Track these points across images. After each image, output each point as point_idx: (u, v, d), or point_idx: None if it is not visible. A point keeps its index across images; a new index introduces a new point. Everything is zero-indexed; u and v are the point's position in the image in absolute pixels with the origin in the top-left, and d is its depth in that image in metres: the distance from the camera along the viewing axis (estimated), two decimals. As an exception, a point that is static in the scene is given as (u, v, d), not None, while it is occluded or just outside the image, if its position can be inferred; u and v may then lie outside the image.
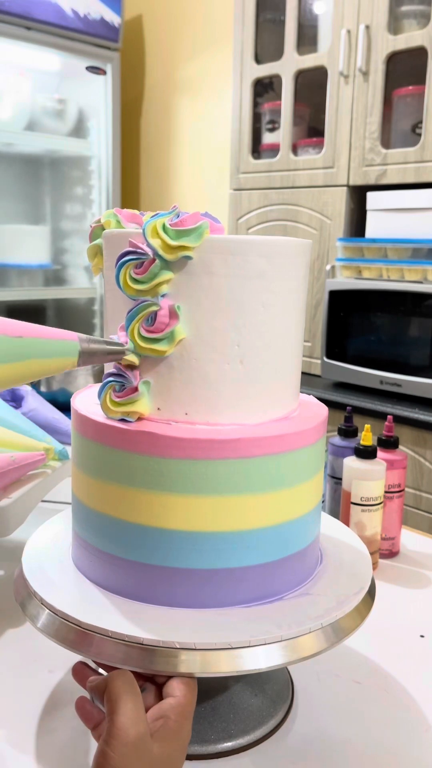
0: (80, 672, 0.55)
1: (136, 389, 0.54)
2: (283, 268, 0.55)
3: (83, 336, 0.51)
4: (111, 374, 0.56)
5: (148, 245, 0.52)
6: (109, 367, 0.58)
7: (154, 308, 0.53)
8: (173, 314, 0.53)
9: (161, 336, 0.53)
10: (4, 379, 0.48)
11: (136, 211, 0.61)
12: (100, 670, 0.55)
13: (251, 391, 0.56)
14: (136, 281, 0.53)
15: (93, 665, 0.56)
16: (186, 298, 0.53)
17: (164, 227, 0.52)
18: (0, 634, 0.74)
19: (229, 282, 0.53)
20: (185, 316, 0.53)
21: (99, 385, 0.66)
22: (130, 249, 0.53)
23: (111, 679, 0.48)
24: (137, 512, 0.54)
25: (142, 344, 0.54)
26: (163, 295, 0.53)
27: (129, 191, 3.00)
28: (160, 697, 0.50)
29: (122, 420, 0.54)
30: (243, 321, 0.54)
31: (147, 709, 0.49)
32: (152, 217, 0.53)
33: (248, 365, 0.55)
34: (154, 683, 0.52)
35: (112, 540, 0.55)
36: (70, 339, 0.50)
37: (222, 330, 0.54)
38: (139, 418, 0.55)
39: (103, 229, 0.59)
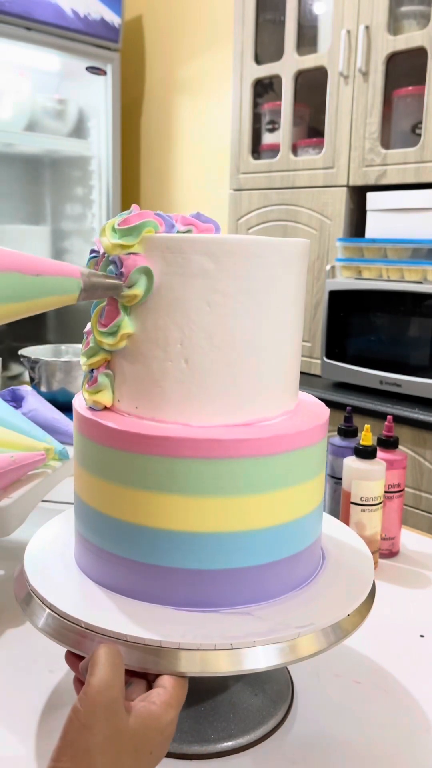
0: (71, 657, 0.54)
1: (96, 380, 0.58)
2: (233, 268, 0.53)
3: (85, 270, 0.53)
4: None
5: (101, 243, 0.56)
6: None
7: (104, 304, 0.57)
8: (116, 310, 0.55)
9: (108, 330, 0.56)
10: (6, 314, 0.50)
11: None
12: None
13: (196, 392, 0.55)
14: None
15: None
16: None
17: (113, 227, 0.55)
18: (0, 634, 0.74)
19: (170, 279, 0.53)
20: (134, 313, 0.55)
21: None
22: (94, 247, 0.58)
23: (96, 648, 0.48)
24: (138, 513, 0.54)
25: (98, 338, 0.57)
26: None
27: (129, 191, 3.00)
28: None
29: (90, 408, 0.58)
30: (186, 320, 0.53)
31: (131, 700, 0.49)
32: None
33: (194, 365, 0.54)
34: (144, 680, 0.52)
35: (114, 539, 0.55)
36: (72, 275, 0.52)
37: (164, 327, 0.54)
38: (105, 408, 0.58)
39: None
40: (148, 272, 0.53)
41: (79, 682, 0.53)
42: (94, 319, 0.57)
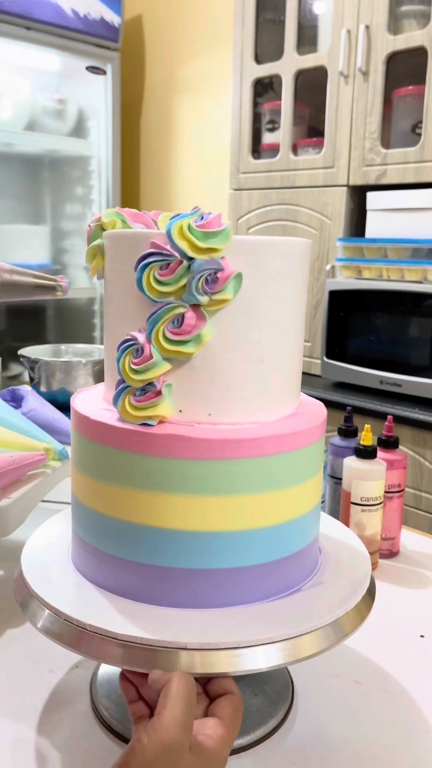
0: (126, 682, 0.54)
1: (159, 393, 0.53)
2: (294, 268, 0.56)
3: (5, 266, 0.49)
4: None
5: (174, 247, 0.51)
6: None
7: (180, 310, 0.52)
8: (201, 316, 0.52)
9: (188, 338, 0.52)
10: None
11: (135, 210, 0.61)
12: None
13: (269, 389, 0.57)
14: (160, 283, 0.52)
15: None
16: None
17: (190, 228, 0.51)
18: (0, 634, 0.74)
19: (252, 282, 0.53)
20: (209, 317, 0.53)
21: (99, 385, 0.66)
22: (154, 250, 0.52)
23: (174, 677, 0.48)
24: (136, 512, 0.54)
25: (167, 347, 0.52)
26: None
27: (129, 191, 3.00)
28: (207, 708, 0.51)
29: (144, 424, 0.53)
30: (262, 320, 0.55)
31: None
32: (175, 217, 0.52)
33: (267, 364, 0.56)
34: (205, 693, 0.52)
35: (112, 540, 0.55)
36: None
37: (244, 329, 0.54)
38: (161, 422, 0.54)
39: (103, 230, 0.59)
40: (239, 276, 0.52)
41: (142, 704, 0.52)
42: (159, 329, 0.52)
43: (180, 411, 0.54)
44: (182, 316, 0.52)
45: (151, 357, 0.52)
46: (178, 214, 0.53)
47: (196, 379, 0.54)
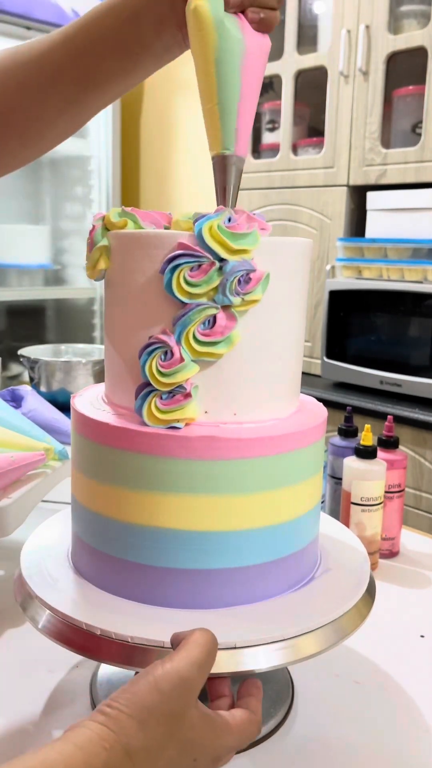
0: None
1: (189, 395, 0.53)
2: (304, 268, 0.58)
3: None
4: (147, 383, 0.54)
5: (206, 248, 0.51)
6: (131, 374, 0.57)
7: (212, 311, 0.52)
8: (231, 317, 0.52)
9: (220, 339, 0.52)
10: None
11: (144, 210, 0.60)
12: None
13: (287, 387, 0.58)
14: (191, 284, 0.51)
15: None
16: None
17: (220, 229, 0.51)
18: (0, 634, 0.74)
19: (277, 282, 0.54)
20: (239, 318, 0.53)
21: (99, 385, 0.66)
22: (183, 251, 0.51)
23: (197, 630, 0.47)
24: (136, 513, 0.54)
25: (198, 348, 0.52)
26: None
27: (129, 191, 3.00)
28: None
29: (172, 428, 0.53)
30: (281, 319, 0.56)
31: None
32: (201, 218, 0.52)
33: (285, 362, 0.57)
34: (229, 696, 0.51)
35: (111, 541, 0.55)
36: None
37: (267, 329, 0.55)
38: (187, 424, 0.53)
39: (107, 230, 0.58)
40: (268, 277, 0.53)
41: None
42: (190, 330, 0.52)
43: (206, 412, 0.54)
44: (214, 317, 0.52)
45: (181, 359, 0.52)
46: (205, 215, 0.52)
47: (222, 379, 0.54)
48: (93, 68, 0.61)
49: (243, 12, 0.55)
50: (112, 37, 0.59)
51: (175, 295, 0.51)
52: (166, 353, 0.52)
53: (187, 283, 0.51)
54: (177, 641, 0.47)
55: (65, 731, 0.40)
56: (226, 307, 0.52)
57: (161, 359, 0.52)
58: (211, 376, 0.54)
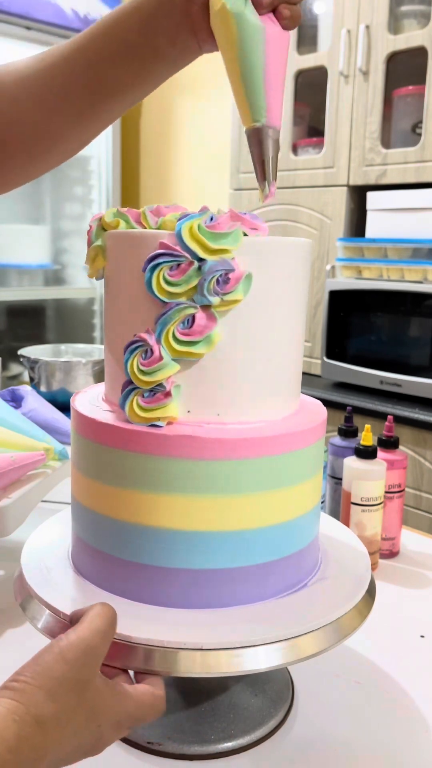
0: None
1: (168, 394, 0.53)
2: (298, 268, 0.57)
3: None
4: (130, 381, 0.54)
5: (185, 247, 0.51)
6: (113, 371, 0.58)
7: (191, 311, 0.52)
8: (211, 316, 0.52)
9: (199, 339, 0.52)
10: None
11: (137, 210, 0.60)
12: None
13: (280, 388, 0.57)
14: (170, 284, 0.51)
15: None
16: None
17: (200, 229, 0.51)
18: (0, 634, 0.74)
19: (260, 282, 0.53)
20: (220, 318, 0.53)
21: (99, 385, 0.66)
22: (163, 251, 0.51)
23: (96, 604, 0.48)
24: (136, 512, 0.54)
25: (178, 348, 0.52)
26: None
27: (129, 191, 3.00)
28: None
29: (153, 425, 0.53)
30: (270, 320, 0.55)
31: None
32: (185, 218, 0.52)
33: (274, 363, 0.56)
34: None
35: (111, 541, 0.55)
36: None
37: (252, 330, 0.54)
38: (170, 423, 0.54)
39: (104, 230, 0.58)
40: (249, 277, 0.52)
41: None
42: (169, 330, 0.52)
43: (188, 411, 0.54)
44: (193, 317, 0.52)
45: (160, 358, 0.52)
46: (188, 215, 0.52)
47: (205, 379, 0.54)
48: (105, 78, 0.60)
49: (274, 11, 0.55)
50: (124, 46, 0.59)
51: (155, 294, 0.52)
52: (146, 352, 0.53)
53: (167, 282, 0.51)
54: (77, 617, 0.48)
55: None
56: (206, 307, 0.52)
57: (142, 357, 0.53)
58: (193, 375, 0.54)
